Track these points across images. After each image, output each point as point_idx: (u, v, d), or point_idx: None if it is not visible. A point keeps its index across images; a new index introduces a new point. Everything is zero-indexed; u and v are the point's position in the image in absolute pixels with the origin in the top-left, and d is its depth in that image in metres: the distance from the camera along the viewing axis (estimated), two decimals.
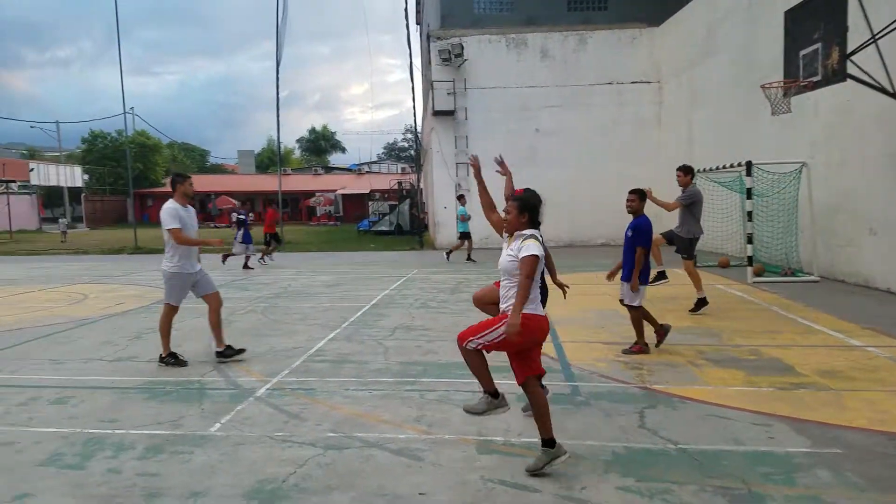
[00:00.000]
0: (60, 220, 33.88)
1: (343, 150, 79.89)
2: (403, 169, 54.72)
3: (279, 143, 27.64)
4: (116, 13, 23.60)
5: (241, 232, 16.49)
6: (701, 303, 8.79)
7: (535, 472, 3.85)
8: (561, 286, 5.38)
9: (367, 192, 49.45)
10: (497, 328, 3.86)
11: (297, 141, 79.46)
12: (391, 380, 5.99)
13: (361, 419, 4.94)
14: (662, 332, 6.80)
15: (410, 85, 25.11)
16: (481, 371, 4.04)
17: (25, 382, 6.15)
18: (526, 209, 4.07)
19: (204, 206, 54.82)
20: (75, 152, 59.17)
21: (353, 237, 31.05)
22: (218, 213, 50.70)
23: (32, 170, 45.52)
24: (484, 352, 3.98)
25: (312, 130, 78.12)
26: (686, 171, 8.85)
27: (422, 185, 29.01)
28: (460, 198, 17.54)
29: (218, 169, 74.52)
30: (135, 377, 6.28)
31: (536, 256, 3.84)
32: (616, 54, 21.79)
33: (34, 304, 11.18)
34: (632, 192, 6.73)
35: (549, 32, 21.94)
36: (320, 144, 77.59)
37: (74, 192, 51.97)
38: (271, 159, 70.67)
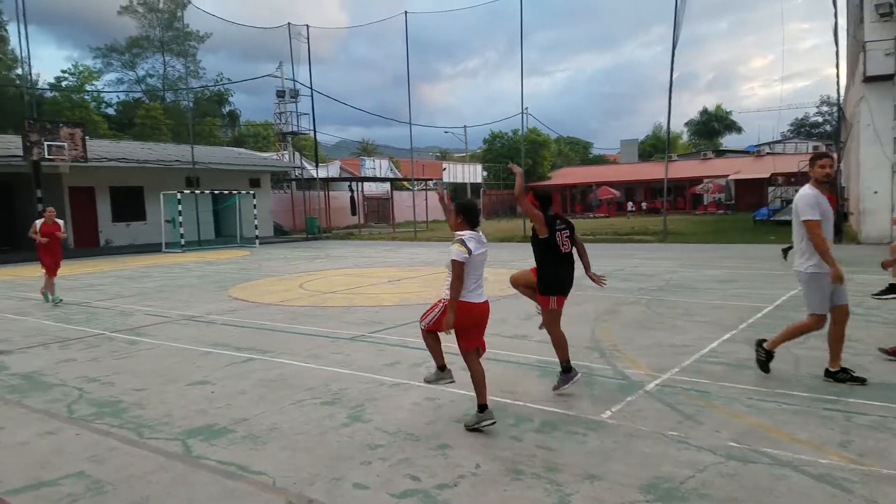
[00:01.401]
0: None
1: (739, 130, 73.53)
2: (816, 147, 47.09)
3: (668, 128, 26.57)
4: (521, 22, 25.86)
5: None
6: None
7: (470, 428, 4.54)
8: (594, 279, 5.66)
9: (768, 176, 42.51)
10: (433, 313, 4.74)
11: (686, 124, 76.01)
12: (805, 394, 5.18)
13: (769, 434, 4.36)
14: None
15: (834, 49, 21.53)
16: (434, 348, 4.90)
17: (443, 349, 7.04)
18: (461, 211, 4.69)
19: (585, 196, 56.88)
20: (477, 152, 67.13)
21: (746, 228, 27.96)
22: (598, 203, 51.85)
23: (445, 169, 53.24)
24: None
25: (704, 111, 73.90)
26: None
27: (841, 167, 24.84)
28: None
29: (600, 160, 76.35)
30: (528, 354, 6.68)
31: (456, 261, 4.48)
32: None
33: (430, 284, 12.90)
34: None
35: None
36: (712, 126, 72.97)
37: (475, 188, 59.00)
38: (655, 146, 69.39)
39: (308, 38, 33.22)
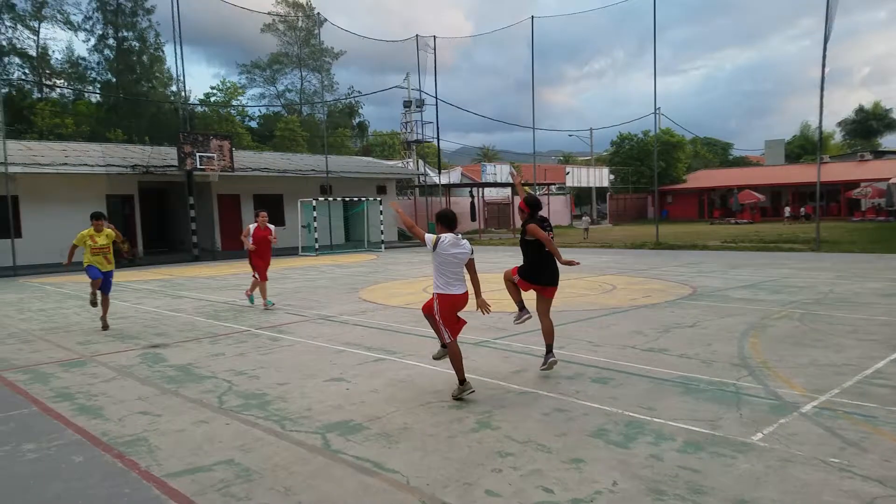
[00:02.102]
0: (583, 218, 36.44)
1: None
2: None
3: (820, 127, 24.35)
4: (654, 19, 24.94)
5: None
6: None
7: (456, 398, 5.47)
8: (569, 262, 6.29)
9: None
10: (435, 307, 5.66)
11: (839, 124, 69.77)
12: None
13: None
14: None
15: None
16: (437, 329, 5.70)
17: (571, 359, 6.88)
18: (438, 220, 5.75)
19: (725, 200, 53.77)
20: (603, 155, 65.49)
21: None
22: (740, 208, 48.82)
23: (568, 173, 52.37)
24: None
25: (860, 109, 67.68)
26: None
27: None
28: None
29: (741, 161, 71.93)
30: (667, 369, 6.35)
31: (425, 240, 5.55)
32: None
33: (573, 291, 12.61)
34: None
35: None
36: (869, 125, 66.50)
37: (601, 192, 57.57)
38: (804, 147, 64.42)
39: (435, 49, 33.99)
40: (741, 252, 21.31)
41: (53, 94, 45.60)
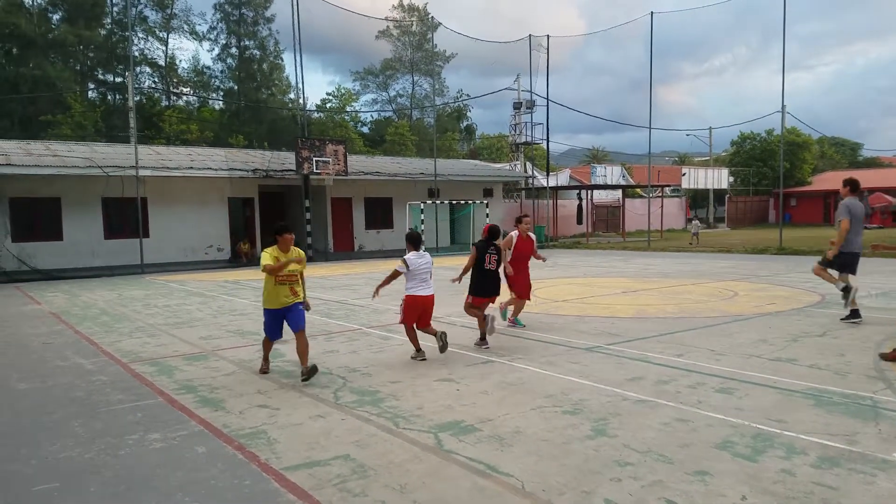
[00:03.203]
0: (694, 222, 34.46)
1: None
2: None
3: None
4: (784, 11, 23.56)
5: None
6: None
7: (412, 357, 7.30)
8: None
9: None
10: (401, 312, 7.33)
11: None
12: None
13: None
14: None
15: None
16: (411, 335, 7.32)
17: (691, 367, 6.56)
18: (407, 240, 7.43)
19: None
20: (722, 155, 62.32)
21: None
22: (870, 212, 45.05)
23: (684, 174, 50.27)
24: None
25: None
26: None
27: None
28: None
29: (872, 163, 66.43)
30: (796, 380, 5.92)
31: (396, 269, 7.25)
32: None
33: (690, 297, 12.06)
34: None
35: None
36: None
37: (719, 194, 54.80)
38: None
39: (548, 48, 33.64)
40: (872, 259, 19.62)
41: (180, 102, 49.26)
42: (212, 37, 48.96)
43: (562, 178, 47.03)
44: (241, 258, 25.12)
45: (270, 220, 29.64)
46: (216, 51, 49.37)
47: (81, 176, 21.43)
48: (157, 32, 47.29)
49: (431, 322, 7.37)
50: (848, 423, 4.73)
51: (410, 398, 5.71)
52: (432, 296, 7.25)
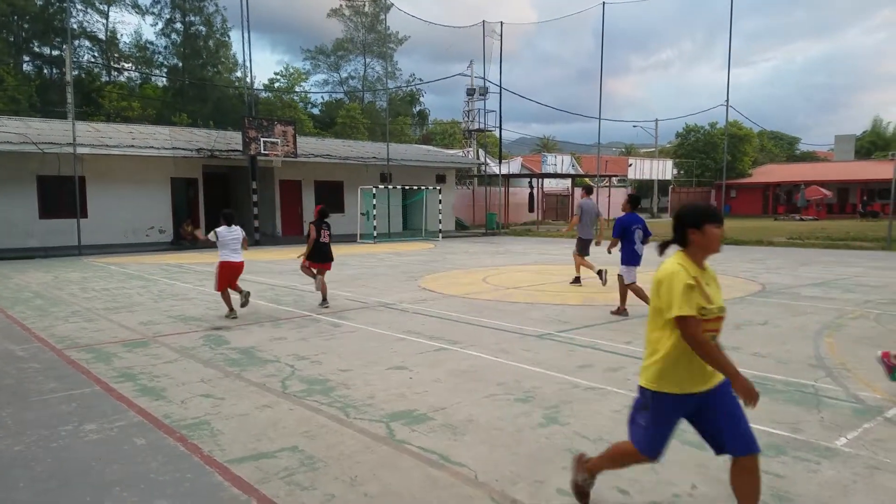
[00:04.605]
0: None
1: None
2: None
3: None
4: (731, 8, 24.13)
5: None
6: None
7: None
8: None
9: None
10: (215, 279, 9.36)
11: None
12: None
13: None
14: None
15: None
16: (225, 297, 9.28)
17: (639, 355, 6.58)
18: (222, 217, 9.48)
19: (790, 196, 51.70)
20: (667, 147, 63.75)
21: None
22: (805, 204, 46.89)
23: (631, 165, 51.27)
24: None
25: None
26: None
27: None
28: None
29: (808, 157, 69.11)
30: (741, 369, 5.96)
31: (209, 237, 9.21)
32: None
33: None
34: None
35: None
36: None
37: (663, 185, 56.09)
38: (874, 143, 61.49)
39: (501, 35, 33.59)
40: (808, 249, 20.43)
41: (121, 78, 47.32)
42: (155, 11, 47.11)
43: (514, 166, 47.27)
44: (184, 240, 24.37)
45: (215, 202, 28.98)
46: (160, 25, 47.55)
47: (14, 153, 20.37)
48: (97, 4, 45.20)
49: (238, 282, 9.49)
50: (792, 410, 4.86)
51: (361, 387, 5.60)
52: (242, 262, 9.40)
